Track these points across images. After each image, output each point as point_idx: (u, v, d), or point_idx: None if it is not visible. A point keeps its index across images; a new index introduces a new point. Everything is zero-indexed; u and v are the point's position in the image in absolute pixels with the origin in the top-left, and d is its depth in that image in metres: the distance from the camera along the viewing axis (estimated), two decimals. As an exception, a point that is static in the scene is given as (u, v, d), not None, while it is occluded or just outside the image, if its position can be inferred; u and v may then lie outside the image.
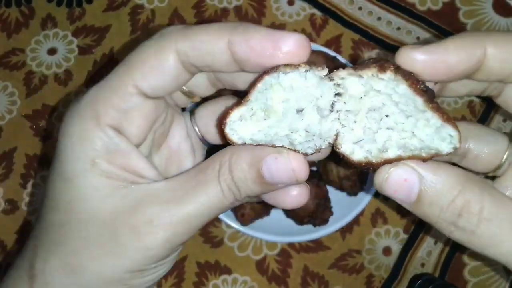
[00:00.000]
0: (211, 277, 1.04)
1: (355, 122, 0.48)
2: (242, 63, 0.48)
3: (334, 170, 0.99)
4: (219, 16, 1.19)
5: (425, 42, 0.49)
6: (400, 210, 1.07)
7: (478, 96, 0.93)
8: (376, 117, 0.48)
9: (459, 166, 0.56)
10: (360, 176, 0.99)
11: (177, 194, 0.50)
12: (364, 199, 0.99)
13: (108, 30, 1.20)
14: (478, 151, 0.56)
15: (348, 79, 0.47)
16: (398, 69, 0.45)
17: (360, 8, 1.20)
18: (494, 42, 0.47)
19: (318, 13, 1.20)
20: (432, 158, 0.47)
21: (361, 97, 0.48)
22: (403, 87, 0.46)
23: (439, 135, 0.46)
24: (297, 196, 0.54)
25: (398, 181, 0.47)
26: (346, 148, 0.49)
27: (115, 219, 0.49)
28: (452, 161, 0.58)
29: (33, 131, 1.13)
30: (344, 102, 0.48)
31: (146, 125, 0.53)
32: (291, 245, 1.06)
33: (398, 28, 1.17)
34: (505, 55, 0.47)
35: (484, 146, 0.56)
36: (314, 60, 0.94)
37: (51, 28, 1.20)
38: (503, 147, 0.55)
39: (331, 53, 0.99)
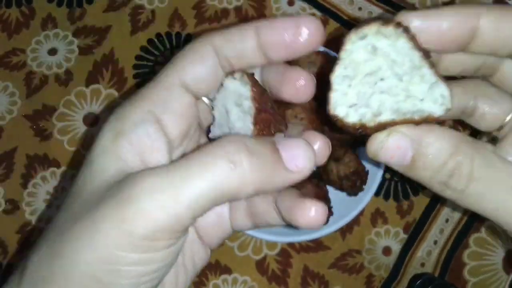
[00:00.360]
0: (211, 277, 1.04)
1: (349, 86, 0.49)
2: (266, 48, 0.51)
3: (334, 170, 0.99)
4: (219, 17, 1.19)
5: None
6: (400, 210, 1.08)
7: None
8: (371, 82, 0.49)
9: (466, 124, 0.59)
10: (360, 176, 0.99)
11: (174, 170, 0.44)
12: (364, 199, 0.98)
13: (109, 30, 1.20)
14: (484, 110, 0.57)
15: (355, 44, 0.48)
16: (399, 24, 0.47)
17: (360, 9, 1.20)
18: (489, 11, 0.48)
19: (318, 13, 1.20)
20: (425, 122, 0.48)
21: (361, 62, 0.49)
22: (402, 41, 0.47)
23: (431, 96, 0.47)
24: (315, 216, 0.50)
25: (392, 149, 0.48)
26: (340, 111, 0.49)
27: (101, 196, 0.44)
28: (460, 118, 0.59)
29: (34, 131, 1.13)
30: (345, 68, 0.49)
31: (185, 118, 0.51)
32: (291, 245, 1.05)
33: (398, 29, 1.17)
34: (499, 24, 0.48)
35: (491, 105, 0.56)
36: (314, 60, 0.94)
37: (52, 29, 1.20)
38: (509, 107, 0.56)
39: (331, 53, 0.99)
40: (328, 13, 1.19)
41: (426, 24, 0.49)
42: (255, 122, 0.51)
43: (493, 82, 0.55)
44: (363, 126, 0.49)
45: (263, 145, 0.47)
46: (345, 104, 0.49)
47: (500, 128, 0.56)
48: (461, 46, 0.50)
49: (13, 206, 1.08)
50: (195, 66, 0.51)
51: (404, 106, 0.48)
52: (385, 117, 0.48)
